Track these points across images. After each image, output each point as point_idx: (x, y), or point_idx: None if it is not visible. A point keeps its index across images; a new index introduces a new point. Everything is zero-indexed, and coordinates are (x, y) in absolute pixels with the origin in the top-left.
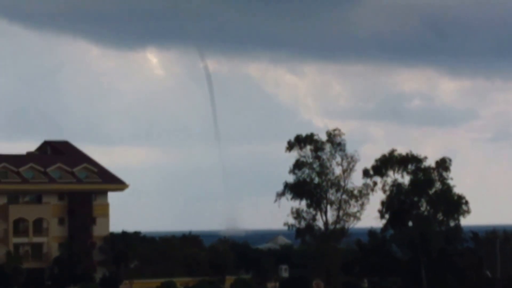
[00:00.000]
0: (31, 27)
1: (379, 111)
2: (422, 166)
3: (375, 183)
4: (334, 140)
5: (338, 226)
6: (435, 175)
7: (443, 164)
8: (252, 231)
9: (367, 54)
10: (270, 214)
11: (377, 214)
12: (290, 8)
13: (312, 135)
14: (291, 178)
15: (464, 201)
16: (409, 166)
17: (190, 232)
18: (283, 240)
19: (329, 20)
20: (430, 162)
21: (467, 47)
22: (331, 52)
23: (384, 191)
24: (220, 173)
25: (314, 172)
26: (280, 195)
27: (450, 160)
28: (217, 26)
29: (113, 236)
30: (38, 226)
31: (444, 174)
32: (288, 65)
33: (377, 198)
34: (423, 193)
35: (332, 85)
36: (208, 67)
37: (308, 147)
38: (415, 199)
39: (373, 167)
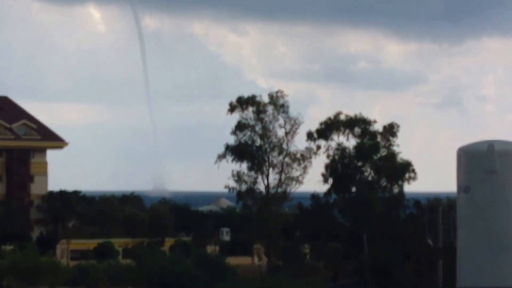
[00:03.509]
0: None
1: (325, 72)
2: (370, 130)
3: (318, 147)
4: (277, 102)
5: (280, 189)
6: (381, 140)
7: (390, 130)
8: (184, 192)
9: (312, 14)
10: (210, 176)
11: (321, 178)
12: None
13: (254, 96)
14: (232, 140)
15: (411, 168)
16: (356, 129)
17: (132, 193)
18: (226, 202)
19: None
20: (378, 126)
21: (413, 9)
22: (274, 11)
23: (328, 155)
24: (153, 132)
25: (256, 134)
26: (221, 157)
27: (398, 126)
28: None
29: (51, 195)
30: None
31: (391, 139)
32: (231, 24)
33: (321, 162)
34: (368, 158)
35: (276, 46)
36: (140, 23)
37: (251, 109)
38: (359, 164)
39: (318, 130)
